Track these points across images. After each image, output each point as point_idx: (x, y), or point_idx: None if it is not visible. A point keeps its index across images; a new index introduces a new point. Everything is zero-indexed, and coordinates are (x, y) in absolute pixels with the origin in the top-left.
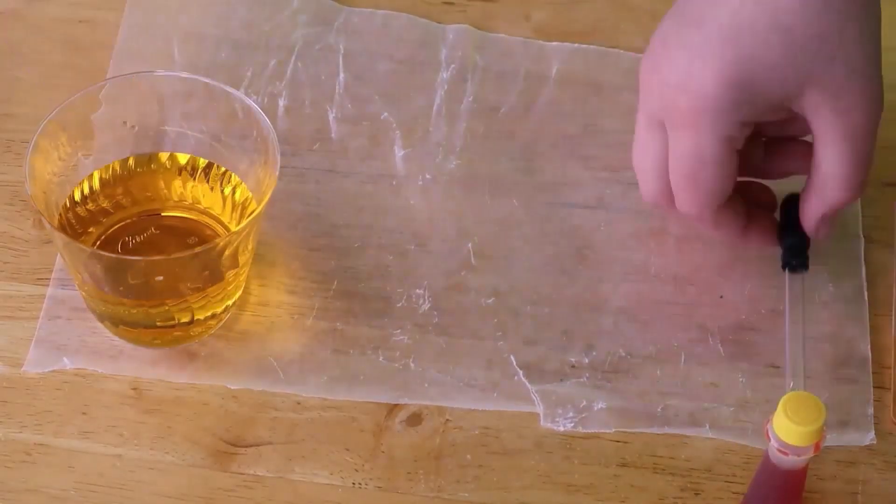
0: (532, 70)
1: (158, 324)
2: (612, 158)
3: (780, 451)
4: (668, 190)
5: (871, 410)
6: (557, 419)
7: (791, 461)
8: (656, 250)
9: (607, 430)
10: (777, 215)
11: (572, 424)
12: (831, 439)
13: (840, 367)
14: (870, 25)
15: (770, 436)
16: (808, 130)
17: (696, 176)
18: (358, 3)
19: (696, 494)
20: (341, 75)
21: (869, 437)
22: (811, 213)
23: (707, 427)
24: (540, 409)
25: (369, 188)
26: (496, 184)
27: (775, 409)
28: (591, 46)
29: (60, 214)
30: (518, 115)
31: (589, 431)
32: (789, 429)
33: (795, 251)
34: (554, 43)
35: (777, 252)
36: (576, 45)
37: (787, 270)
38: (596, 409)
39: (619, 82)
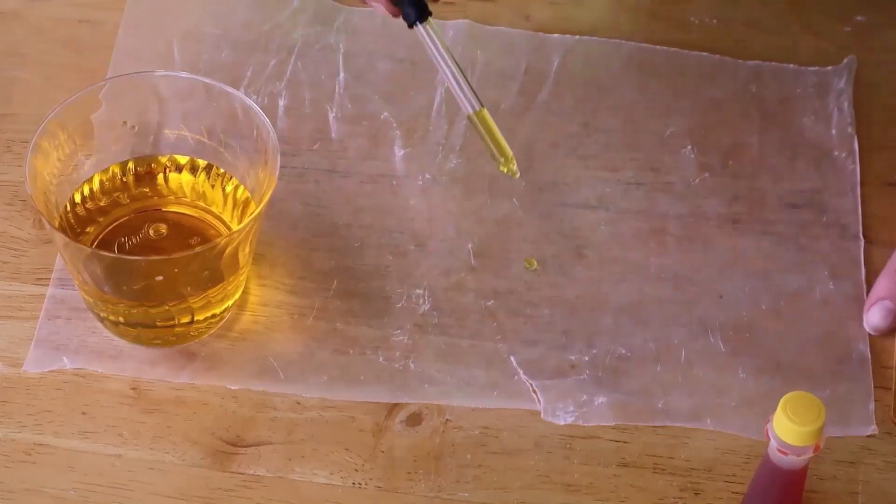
0: (532, 66)
1: (158, 324)
2: (611, 158)
3: (779, 450)
4: None
5: (871, 410)
6: (558, 413)
7: (791, 461)
8: (656, 250)
9: (608, 424)
10: None
11: (573, 418)
12: (832, 437)
13: (840, 367)
14: None
15: (770, 436)
16: None
17: None
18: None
19: (696, 494)
20: (341, 75)
21: (870, 429)
22: None
23: (708, 422)
24: (540, 403)
25: (369, 188)
26: (496, 184)
27: (775, 409)
28: (592, 38)
29: (60, 215)
30: (518, 114)
31: (589, 430)
32: (789, 429)
33: (404, 2)
34: (555, 35)
35: None
36: (577, 36)
37: (416, 26)
38: (596, 403)
39: (619, 75)
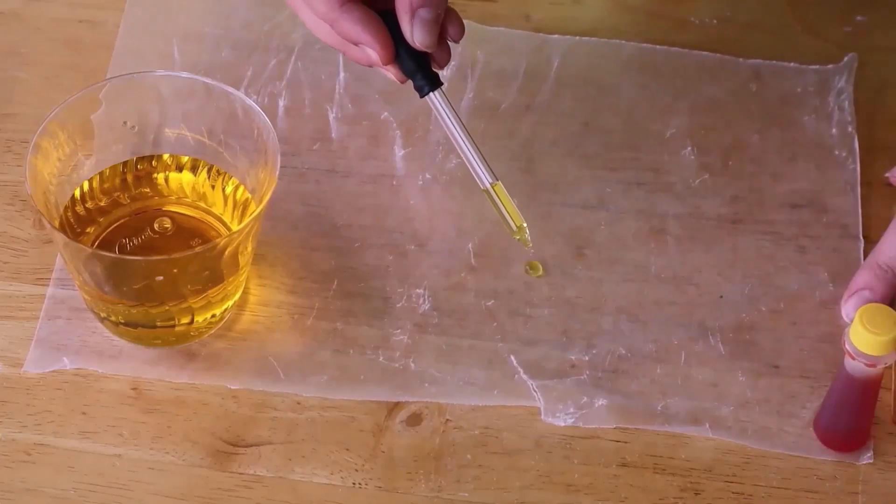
0: (532, 66)
1: (158, 324)
2: (611, 158)
3: (867, 364)
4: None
5: None
6: (558, 414)
7: (866, 370)
8: (656, 250)
9: (607, 427)
10: None
11: (573, 420)
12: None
13: None
14: None
15: (847, 347)
16: None
17: None
18: None
19: (696, 494)
20: (341, 75)
21: (866, 457)
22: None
23: (707, 426)
24: (540, 403)
25: (369, 188)
26: None
27: (775, 411)
28: (592, 39)
29: (61, 214)
30: (518, 113)
31: (589, 430)
32: (866, 339)
33: (416, 74)
34: (555, 35)
35: None
36: (577, 37)
37: (426, 96)
38: (596, 405)
39: (620, 75)
